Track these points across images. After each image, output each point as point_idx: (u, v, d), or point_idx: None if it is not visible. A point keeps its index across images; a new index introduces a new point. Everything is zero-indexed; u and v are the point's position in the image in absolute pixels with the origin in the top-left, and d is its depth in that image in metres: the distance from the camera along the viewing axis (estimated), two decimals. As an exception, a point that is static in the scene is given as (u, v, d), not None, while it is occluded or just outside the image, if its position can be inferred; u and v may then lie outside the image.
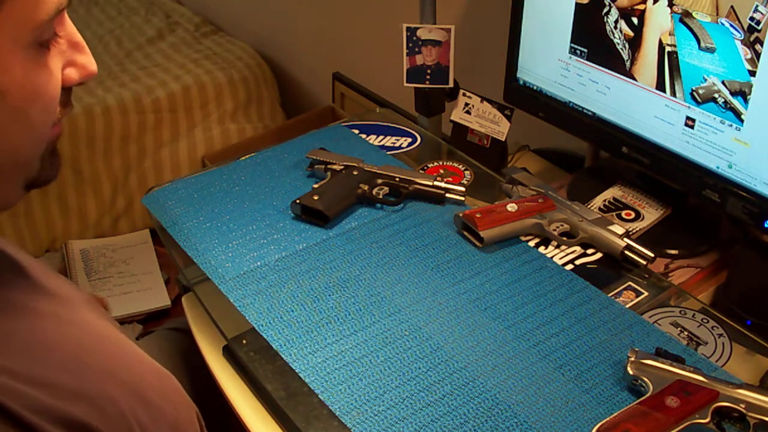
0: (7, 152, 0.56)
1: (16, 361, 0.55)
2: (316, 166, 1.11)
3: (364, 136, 1.24)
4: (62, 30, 0.57)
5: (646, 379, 0.75)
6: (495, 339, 0.84)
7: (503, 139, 1.23)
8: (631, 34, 0.99)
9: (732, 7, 0.86)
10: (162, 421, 0.63)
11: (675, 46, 0.94)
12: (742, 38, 0.86)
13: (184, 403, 0.69)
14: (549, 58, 1.13)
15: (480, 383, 0.78)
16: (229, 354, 0.88)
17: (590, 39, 1.06)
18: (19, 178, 0.59)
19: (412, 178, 1.06)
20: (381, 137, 1.24)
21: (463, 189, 1.06)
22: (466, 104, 1.25)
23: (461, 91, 1.26)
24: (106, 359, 0.62)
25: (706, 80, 0.92)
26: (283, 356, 0.81)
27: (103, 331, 0.66)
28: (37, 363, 0.56)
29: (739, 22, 0.86)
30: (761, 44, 0.84)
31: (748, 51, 0.86)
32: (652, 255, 0.93)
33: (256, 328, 0.85)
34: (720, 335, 0.86)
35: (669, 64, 0.96)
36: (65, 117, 0.61)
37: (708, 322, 0.87)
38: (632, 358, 0.77)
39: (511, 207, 0.99)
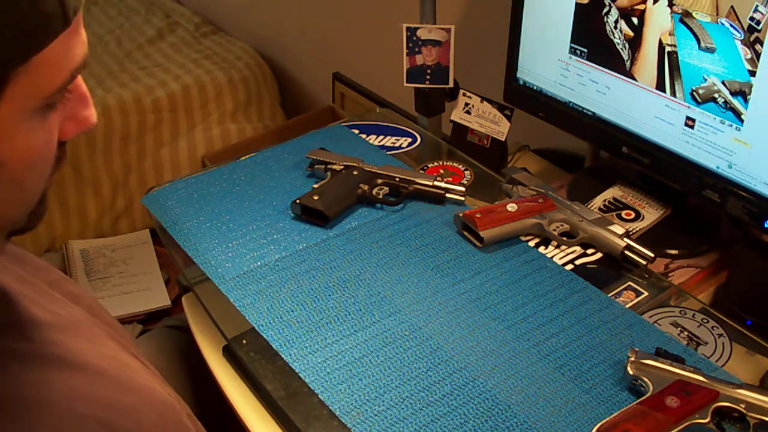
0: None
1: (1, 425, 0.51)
2: (316, 166, 1.11)
3: (364, 136, 1.24)
4: (72, 85, 0.53)
5: (646, 379, 0.75)
6: (495, 339, 0.84)
7: (503, 139, 1.23)
8: (631, 34, 0.99)
9: (732, 7, 0.86)
10: None
11: (675, 46, 0.94)
12: (742, 38, 0.86)
13: None
14: (549, 58, 1.13)
15: (480, 383, 0.78)
16: (229, 354, 0.88)
17: (590, 39, 1.06)
18: (4, 234, 0.56)
19: (412, 178, 1.06)
20: (381, 137, 1.24)
21: (463, 189, 1.06)
22: (466, 104, 1.25)
23: (461, 91, 1.26)
24: (101, 405, 0.58)
25: (706, 80, 0.92)
26: (283, 356, 0.81)
27: (102, 362, 0.62)
28: (17, 424, 0.52)
29: (739, 22, 0.86)
30: (761, 44, 0.84)
31: (748, 51, 0.86)
32: (652, 255, 0.93)
33: (256, 328, 0.85)
34: (720, 335, 0.86)
35: (669, 64, 0.96)
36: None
37: (708, 322, 0.87)
38: (632, 358, 0.77)
39: (511, 207, 0.99)
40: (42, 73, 0.48)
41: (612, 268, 0.96)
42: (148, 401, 0.63)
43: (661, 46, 0.96)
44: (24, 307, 0.61)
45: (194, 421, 0.71)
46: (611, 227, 0.97)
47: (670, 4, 0.93)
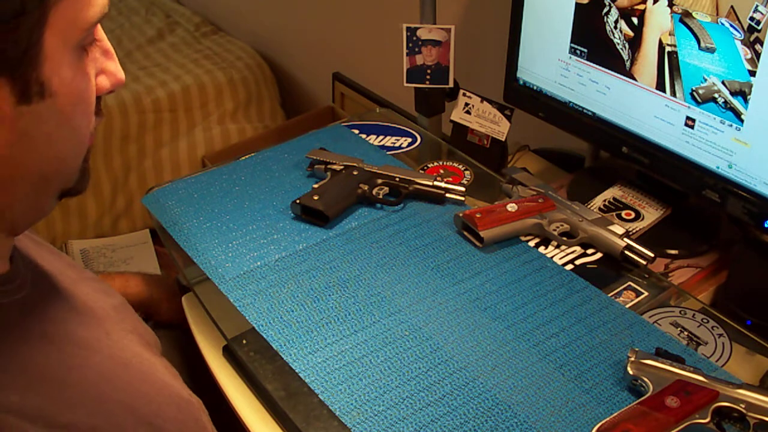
0: (53, 158, 0.55)
1: (29, 397, 0.53)
2: (316, 166, 1.11)
3: (364, 136, 1.24)
4: (98, 36, 0.57)
5: (646, 379, 0.75)
6: (495, 339, 0.84)
7: (503, 139, 1.23)
8: (631, 34, 0.99)
9: (732, 7, 0.86)
10: None
11: (675, 46, 0.94)
12: (742, 38, 0.86)
13: None
14: (549, 58, 1.13)
15: (480, 383, 0.78)
16: (229, 354, 0.88)
17: (590, 39, 1.06)
18: (57, 188, 0.58)
19: (412, 178, 1.06)
20: (381, 137, 1.24)
21: (463, 189, 1.06)
22: (466, 104, 1.25)
23: (461, 91, 1.26)
24: (126, 391, 0.60)
25: (706, 80, 0.92)
26: (283, 356, 0.81)
27: (127, 354, 0.65)
28: (51, 400, 0.54)
29: (739, 22, 0.86)
30: (761, 44, 0.84)
31: (748, 51, 0.86)
32: (652, 255, 0.93)
33: (256, 328, 0.85)
34: (720, 335, 0.86)
35: (669, 64, 0.96)
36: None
37: (708, 322, 0.87)
38: (632, 358, 0.77)
39: (511, 207, 0.99)
40: (78, 3, 0.52)
41: (612, 268, 0.96)
42: (168, 395, 0.65)
43: (661, 46, 0.96)
44: (62, 288, 0.64)
45: (212, 425, 0.73)
46: (611, 227, 0.97)
47: (670, 4, 0.93)
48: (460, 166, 1.18)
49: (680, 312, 0.89)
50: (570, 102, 1.13)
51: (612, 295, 0.91)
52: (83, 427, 0.54)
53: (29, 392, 0.53)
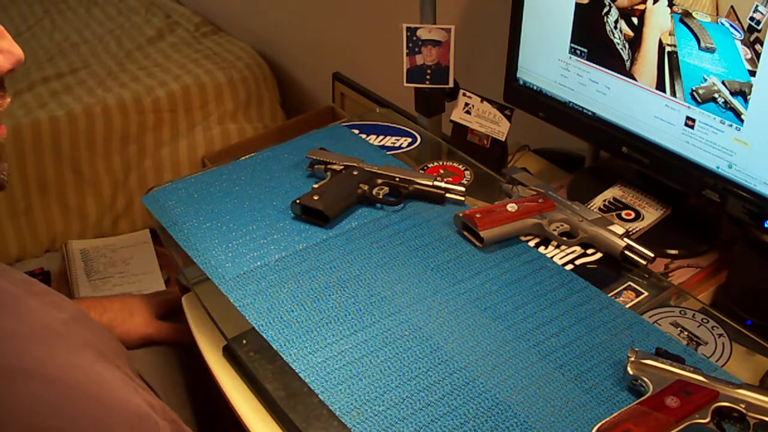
0: None
1: None
2: (316, 166, 1.11)
3: (364, 136, 1.24)
4: None
5: (646, 379, 0.75)
6: (495, 339, 0.84)
7: (503, 139, 1.23)
8: (631, 34, 0.99)
9: (732, 7, 0.86)
10: None
11: (675, 46, 0.94)
12: (742, 38, 0.86)
13: None
14: (549, 58, 1.13)
15: (480, 383, 0.78)
16: (229, 354, 0.88)
17: (590, 39, 1.06)
18: None
19: (412, 178, 1.06)
20: (381, 137, 1.24)
21: (463, 189, 1.06)
22: (466, 104, 1.25)
23: (461, 91, 1.26)
24: (68, 418, 0.57)
25: (706, 80, 0.92)
26: (283, 356, 0.81)
27: (75, 374, 0.62)
28: None
29: (739, 22, 0.86)
30: (761, 44, 0.84)
31: (748, 51, 0.86)
32: (652, 255, 0.93)
33: (256, 328, 0.85)
34: (720, 335, 0.86)
35: (669, 64, 0.96)
36: (5, 115, 0.59)
37: (708, 322, 0.87)
38: (632, 358, 0.77)
39: (511, 207, 0.99)
40: None
41: (612, 268, 0.96)
42: (118, 413, 0.62)
43: (661, 46, 0.96)
44: (10, 310, 0.61)
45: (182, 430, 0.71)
46: (611, 227, 0.97)
47: (670, 4, 0.93)
48: (460, 166, 1.18)
49: (680, 312, 0.89)
50: (570, 102, 1.13)
51: (612, 295, 0.91)
52: None
53: None
